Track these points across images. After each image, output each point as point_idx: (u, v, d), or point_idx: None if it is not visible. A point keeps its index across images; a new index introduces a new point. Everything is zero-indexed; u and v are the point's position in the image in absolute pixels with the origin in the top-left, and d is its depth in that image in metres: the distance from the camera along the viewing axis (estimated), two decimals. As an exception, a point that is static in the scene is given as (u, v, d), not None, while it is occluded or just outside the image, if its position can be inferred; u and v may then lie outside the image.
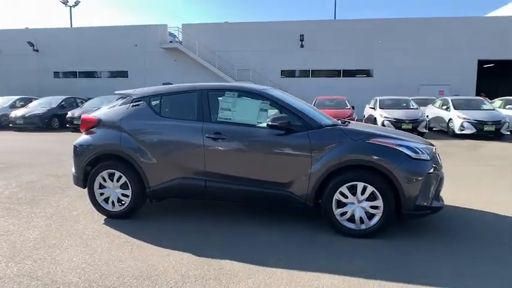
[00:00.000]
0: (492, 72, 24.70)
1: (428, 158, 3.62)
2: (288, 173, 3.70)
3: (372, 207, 3.53)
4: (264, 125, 3.84)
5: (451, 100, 13.77)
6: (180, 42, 24.85)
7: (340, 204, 3.61)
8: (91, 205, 4.25)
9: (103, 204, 4.19)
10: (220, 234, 3.75)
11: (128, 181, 4.05)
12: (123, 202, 4.15)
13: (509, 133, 12.63)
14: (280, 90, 4.59)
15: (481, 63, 22.17)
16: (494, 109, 13.28)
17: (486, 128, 12.03)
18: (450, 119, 13.06)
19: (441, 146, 9.12)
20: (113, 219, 4.13)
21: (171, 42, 24.85)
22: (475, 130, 12.07)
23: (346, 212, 3.60)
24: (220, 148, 3.85)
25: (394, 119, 12.76)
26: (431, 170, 3.58)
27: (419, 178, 3.49)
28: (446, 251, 3.33)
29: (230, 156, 3.86)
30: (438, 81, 21.93)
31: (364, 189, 3.52)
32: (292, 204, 3.76)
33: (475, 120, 12.15)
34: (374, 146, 3.57)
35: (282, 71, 24.02)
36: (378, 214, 3.53)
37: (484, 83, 23.31)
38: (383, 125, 12.60)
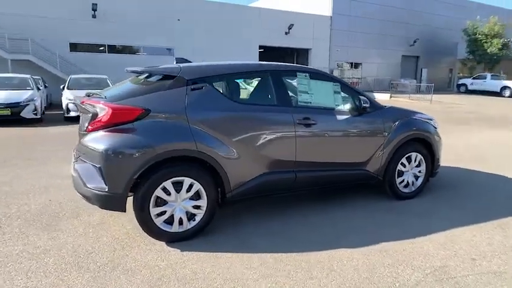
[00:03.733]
0: (274, 55, 29.50)
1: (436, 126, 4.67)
2: (367, 152, 3.95)
3: (419, 172, 4.32)
4: (341, 107, 3.86)
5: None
6: None
7: (400, 174, 4.19)
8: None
9: (163, 226, 3.07)
10: (313, 225, 3.62)
11: (202, 188, 3.13)
12: (194, 217, 3.17)
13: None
14: None
15: (262, 47, 26.23)
16: None
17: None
18: None
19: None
20: (176, 242, 3.14)
21: None
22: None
23: (403, 180, 4.24)
24: (310, 134, 3.61)
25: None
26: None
27: (441, 141, 4.51)
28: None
29: (318, 142, 3.69)
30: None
31: (415, 158, 4.25)
32: (368, 181, 4.06)
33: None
34: (420, 122, 4.32)
35: (71, 44, 20.36)
36: (421, 177, 4.36)
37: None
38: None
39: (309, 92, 3.73)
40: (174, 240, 3.13)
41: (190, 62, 3.79)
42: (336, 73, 28.00)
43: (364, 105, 3.88)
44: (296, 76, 3.73)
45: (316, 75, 3.90)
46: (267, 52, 26.77)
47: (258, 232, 3.41)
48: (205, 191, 3.16)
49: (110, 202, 2.97)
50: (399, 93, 25.73)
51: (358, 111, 3.89)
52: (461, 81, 31.04)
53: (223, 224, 3.54)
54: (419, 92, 25.51)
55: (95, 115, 3.02)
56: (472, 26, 29.34)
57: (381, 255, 2.99)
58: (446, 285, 2.58)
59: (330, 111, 3.81)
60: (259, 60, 25.67)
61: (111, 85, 12.70)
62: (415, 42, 31.57)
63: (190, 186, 3.11)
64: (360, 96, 3.95)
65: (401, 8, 30.47)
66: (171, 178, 3.03)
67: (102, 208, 3.08)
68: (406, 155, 4.19)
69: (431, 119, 4.52)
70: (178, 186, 3.08)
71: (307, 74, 3.79)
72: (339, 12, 28.07)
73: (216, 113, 3.23)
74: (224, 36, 23.91)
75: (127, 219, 3.61)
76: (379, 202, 4.19)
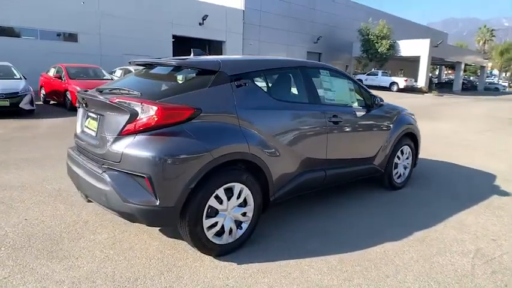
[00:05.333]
0: (187, 46, 28.35)
1: None
2: (375, 147, 4.14)
3: (408, 163, 4.71)
4: (356, 104, 3.95)
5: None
6: None
7: (395, 166, 4.50)
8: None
9: (214, 239, 2.77)
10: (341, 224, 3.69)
11: (251, 193, 2.91)
12: (241, 225, 2.93)
13: None
14: None
15: (175, 37, 25.07)
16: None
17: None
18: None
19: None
20: (226, 255, 2.87)
21: None
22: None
23: (398, 172, 4.56)
24: (338, 131, 3.62)
25: None
26: None
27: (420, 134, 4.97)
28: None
29: (343, 139, 3.73)
30: (140, 52, 23.00)
31: (406, 151, 4.61)
32: (373, 175, 4.25)
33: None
34: (408, 117, 4.68)
35: None
36: (408, 168, 4.75)
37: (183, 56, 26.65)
38: None
39: (331, 89, 3.73)
40: (223, 253, 2.83)
41: (206, 54, 3.43)
42: (249, 66, 28.45)
43: (376, 101, 4.03)
44: (320, 73, 3.69)
45: (335, 72, 3.91)
46: (179, 43, 25.77)
47: (302, 233, 3.30)
48: (253, 196, 2.92)
49: (161, 218, 2.53)
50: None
51: (370, 107, 4.03)
52: (358, 77, 34.54)
53: (263, 227, 3.32)
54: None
55: (134, 115, 2.51)
56: (365, 27, 32.78)
57: (423, 245, 3.17)
58: (494, 266, 2.87)
59: (349, 108, 3.87)
60: (173, 51, 24.68)
61: (18, 75, 10.80)
62: (318, 39, 33.94)
63: (240, 191, 2.84)
64: (370, 93, 4.10)
65: (306, 6, 32.40)
66: (224, 184, 2.72)
67: (149, 225, 2.62)
68: (400, 148, 4.51)
69: (413, 114, 4.94)
70: (229, 193, 2.78)
71: (328, 71, 3.78)
72: (251, 6, 28.50)
73: (260, 112, 2.99)
74: (135, 24, 22.25)
75: (146, 234, 3.14)
76: (374, 194, 4.44)
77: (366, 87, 4.24)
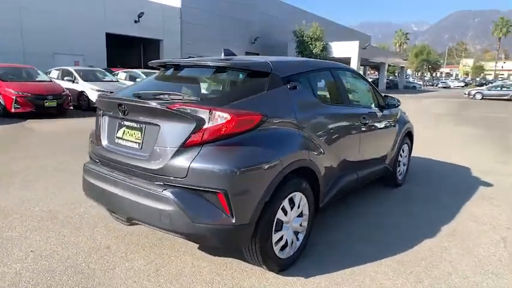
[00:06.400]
0: (122, 45, 26.58)
1: None
2: (388, 147, 4.24)
3: (406, 160, 4.92)
4: (373, 104, 3.99)
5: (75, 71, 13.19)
6: None
7: (399, 164, 4.67)
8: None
9: (279, 253, 2.60)
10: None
11: (307, 202, 2.78)
12: (297, 236, 2.78)
13: None
14: None
15: (109, 36, 23.40)
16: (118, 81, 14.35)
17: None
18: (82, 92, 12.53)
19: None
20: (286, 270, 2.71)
21: None
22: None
23: (399, 169, 4.74)
24: (367, 133, 3.63)
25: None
26: None
27: None
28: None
29: (370, 140, 3.76)
30: (73, 51, 21.15)
31: (405, 148, 4.81)
32: (385, 174, 4.34)
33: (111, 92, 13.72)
34: (405, 116, 4.86)
35: None
36: (406, 164, 4.97)
37: (117, 55, 25.03)
38: None
39: (356, 90, 3.72)
40: (285, 267, 2.65)
41: (235, 54, 3.20)
42: (188, 66, 27.75)
43: (387, 102, 4.13)
44: (346, 75, 3.66)
45: (354, 73, 3.92)
46: (114, 41, 24.17)
47: (345, 238, 3.24)
48: (308, 205, 2.78)
49: (237, 237, 2.28)
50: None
51: (383, 108, 4.10)
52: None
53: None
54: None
55: (200, 124, 2.21)
56: (300, 29, 33.96)
57: (457, 239, 3.31)
58: (528, 253, 3.10)
59: (371, 109, 3.89)
60: (107, 50, 23.09)
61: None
62: (255, 40, 34.31)
63: (300, 201, 2.68)
64: (381, 94, 4.19)
65: (243, 5, 32.51)
66: (288, 195, 2.55)
67: (223, 246, 2.34)
68: (402, 147, 4.69)
69: (404, 112, 5.18)
70: (291, 203, 2.61)
71: (350, 73, 3.77)
72: (188, 4, 27.78)
73: (311, 115, 2.86)
74: (64, 20, 20.34)
75: (185, 254, 2.83)
76: (381, 193, 4.57)
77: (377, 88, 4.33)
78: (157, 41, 26.60)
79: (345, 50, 34.63)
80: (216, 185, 2.18)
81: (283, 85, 2.69)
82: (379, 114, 3.97)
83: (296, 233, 2.74)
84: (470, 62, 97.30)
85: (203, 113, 2.23)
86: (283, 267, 2.63)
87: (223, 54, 3.15)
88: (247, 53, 34.37)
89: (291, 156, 2.50)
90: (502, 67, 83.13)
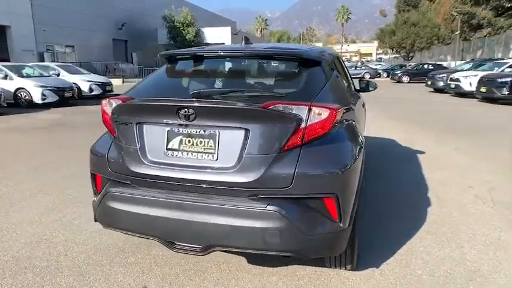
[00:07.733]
0: None
1: None
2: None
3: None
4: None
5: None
6: None
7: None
8: None
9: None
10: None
11: None
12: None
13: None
14: None
15: None
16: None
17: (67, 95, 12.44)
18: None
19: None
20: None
21: None
22: (57, 98, 12.02)
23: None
24: (364, 118, 3.74)
25: None
26: None
27: None
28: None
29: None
30: None
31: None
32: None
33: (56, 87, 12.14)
34: None
35: None
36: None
37: None
38: None
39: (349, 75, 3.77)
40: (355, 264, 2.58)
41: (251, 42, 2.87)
42: (47, 57, 23.93)
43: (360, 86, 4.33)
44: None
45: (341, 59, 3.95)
46: None
47: (379, 236, 3.07)
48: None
49: (344, 242, 2.09)
50: (117, 77, 24.96)
51: (359, 91, 4.24)
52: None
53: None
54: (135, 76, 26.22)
55: (298, 123, 1.91)
56: (170, 14, 32.62)
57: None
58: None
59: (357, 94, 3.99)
60: None
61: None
62: (122, 26, 31.62)
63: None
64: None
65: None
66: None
67: (331, 255, 2.07)
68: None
69: None
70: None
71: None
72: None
73: (349, 100, 2.80)
74: None
75: (227, 265, 2.49)
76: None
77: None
78: (3, 27, 21.95)
79: (218, 35, 34.87)
80: (327, 189, 1.95)
81: (334, 73, 2.56)
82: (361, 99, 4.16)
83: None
84: (320, 45, 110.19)
85: (301, 110, 1.94)
86: (355, 264, 2.54)
87: (243, 42, 2.77)
88: (114, 40, 31.49)
89: (363, 142, 2.44)
90: (347, 50, 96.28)
